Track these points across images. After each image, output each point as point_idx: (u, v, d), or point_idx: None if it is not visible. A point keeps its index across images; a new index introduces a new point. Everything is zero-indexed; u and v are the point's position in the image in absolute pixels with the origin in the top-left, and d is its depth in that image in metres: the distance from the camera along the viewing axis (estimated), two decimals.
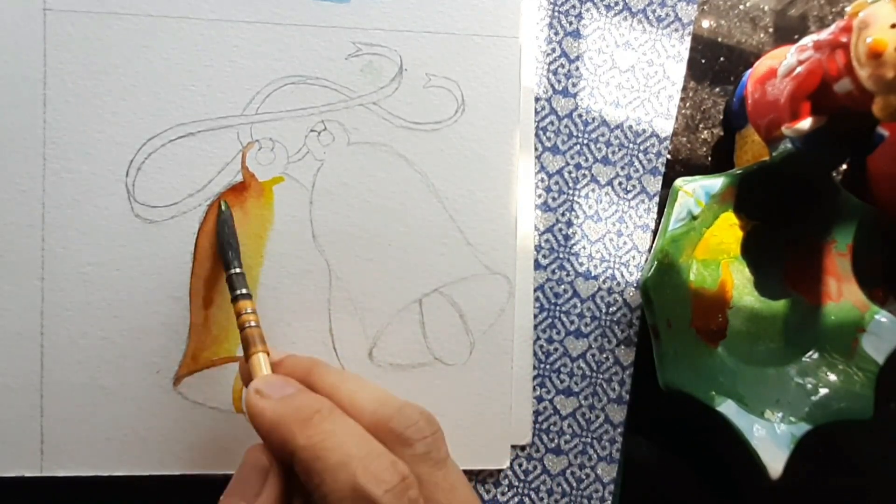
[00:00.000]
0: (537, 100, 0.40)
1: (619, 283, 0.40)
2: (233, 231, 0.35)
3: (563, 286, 0.40)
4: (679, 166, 0.42)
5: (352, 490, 0.24)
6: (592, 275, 0.40)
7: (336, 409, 0.26)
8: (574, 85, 0.40)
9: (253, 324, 0.31)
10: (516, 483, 0.39)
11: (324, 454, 0.24)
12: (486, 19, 0.38)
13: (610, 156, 0.40)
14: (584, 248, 0.40)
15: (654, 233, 0.40)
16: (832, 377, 0.38)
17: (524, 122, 0.39)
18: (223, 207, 0.35)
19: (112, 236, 0.35)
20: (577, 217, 0.40)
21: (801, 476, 0.36)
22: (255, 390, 0.27)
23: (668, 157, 0.41)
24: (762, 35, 0.43)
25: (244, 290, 0.32)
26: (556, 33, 0.40)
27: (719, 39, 0.43)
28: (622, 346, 0.40)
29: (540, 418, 0.39)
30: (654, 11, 0.41)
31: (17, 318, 0.35)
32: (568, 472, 0.39)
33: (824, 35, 0.33)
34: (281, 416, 0.26)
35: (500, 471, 0.39)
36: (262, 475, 0.26)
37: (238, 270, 0.33)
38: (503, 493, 0.39)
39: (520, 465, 0.39)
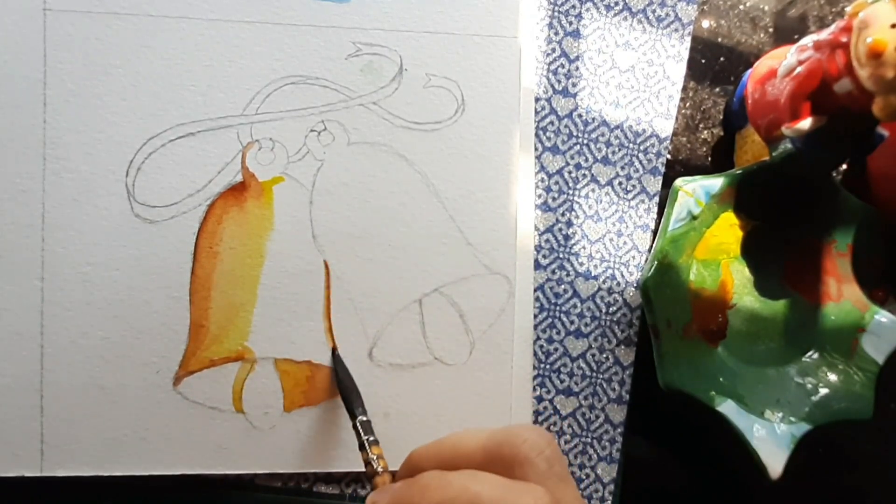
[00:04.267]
0: (537, 100, 0.40)
1: (619, 283, 0.40)
2: (350, 377, 0.36)
3: (563, 286, 0.40)
4: (679, 166, 0.42)
5: None
6: (592, 275, 0.40)
7: (444, 472, 0.26)
8: (574, 85, 0.40)
9: (381, 470, 0.31)
10: None
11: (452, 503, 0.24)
12: (486, 19, 0.38)
13: (610, 156, 0.40)
14: (584, 248, 0.40)
15: (654, 233, 0.40)
16: (832, 377, 0.38)
17: (524, 122, 0.39)
18: (335, 355, 0.36)
19: (112, 236, 0.35)
20: (577, 217, 0.40)
21: (801, 476, 0.36)
22: (371, 502, 0.28)
23: (668, 157, 0.41)
24: (762, 35, 0.43)
25: (373, 437, 0.33)
26: (556, 33, 0.40)
27: (719, 39, 0.43)
28: (622, 346, 0.40)
29: (540, 418, 0.39)
30: (654, 11, 0.41)
31: (17, 318, 0.35)
32: None
33: (824, 35, 0.33)
34: (399, 501, 0.26)
35: None
36: None
37: (366, 418, 0.34)
38: None
39: None
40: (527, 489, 0.24)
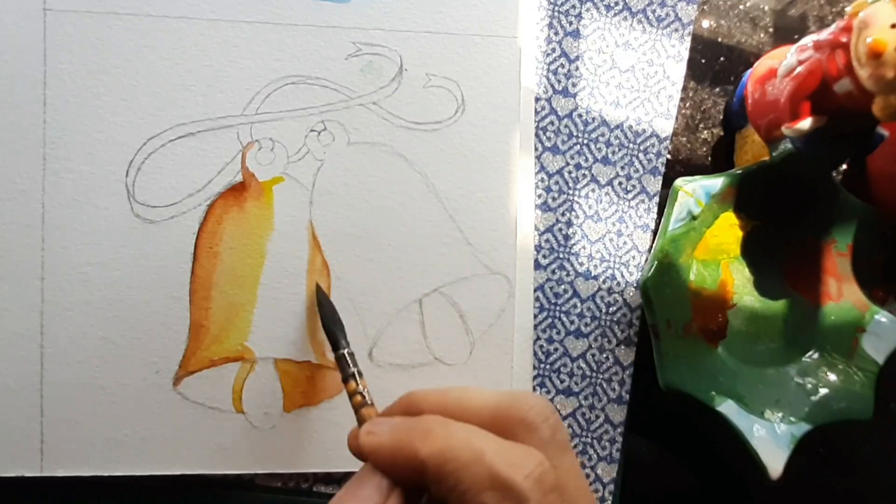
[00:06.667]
0: (537, 100, 0.40)
1: (619, 283, 0.40)
2: (334, 310, 0.35)
3: (563, 286, 0.40)
4: (679, 166, 0.42)
5: (490, 480, 0.23)
6: (592, 275, 0.40)
7: (449, 419, 0.26)
8: (574, 85, 0.40)
9: (370, 403, 0.31)
10: None
11: (453, 455, 0.24)
12: (486, 19, 0.38)
13: (610, 156, 0.40)
14: (584, 248, 0.40)
15: (654, 233, 0.40)
16: (832, 377, 0.38)
17: (524, 122, 0.39)
18: (319, 289, 0.36)
19: (112, 236, 0.35)
20: (577, 217, 0.40)
21: (801, 476, 0.36)
22: (367, 432, 0.27)
23: (668, 157, 0.41)
24: (762, 35, 0.43)
25: (358, 369, 0.32)
26: (556, 33, 0.40)
27: (719, 39, 0.43)
28: (622, 346, 0.40)
29: None
30: (654, 11, 0.41)
31: (17, 318, 0.35)
32: None
33: (824, 35, 0.33)
34: (400, 440, 0.26)
35: None
36: (385, 491, 0.26)
37: (350, 350, 0.33)
38: None
39: None
40: (528, 453, 0.24)
